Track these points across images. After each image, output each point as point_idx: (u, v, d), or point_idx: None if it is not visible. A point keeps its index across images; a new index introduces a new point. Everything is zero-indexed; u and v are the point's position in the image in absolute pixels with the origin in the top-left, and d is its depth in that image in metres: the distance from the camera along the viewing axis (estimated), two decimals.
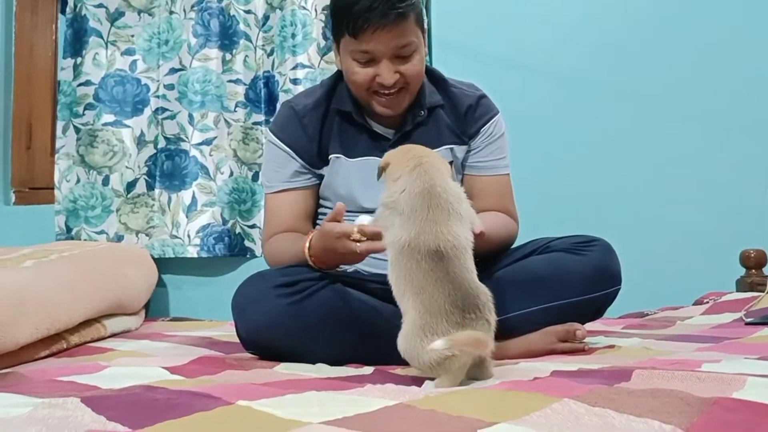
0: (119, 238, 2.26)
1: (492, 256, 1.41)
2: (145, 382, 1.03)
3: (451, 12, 2.41)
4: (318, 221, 1.52)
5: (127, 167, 2.29)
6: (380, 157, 1.47)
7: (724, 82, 2.44)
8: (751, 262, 2.22)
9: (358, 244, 1.16)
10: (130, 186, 2.29)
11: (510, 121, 1.62)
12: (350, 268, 1.45)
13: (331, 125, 1.48)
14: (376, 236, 1.14)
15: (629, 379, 0.96)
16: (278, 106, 2.32)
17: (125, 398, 0.84)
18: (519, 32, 2.44)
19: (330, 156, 1.47)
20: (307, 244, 1.28)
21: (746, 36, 2.45)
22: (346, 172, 1.47)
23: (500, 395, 0.87)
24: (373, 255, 1.42)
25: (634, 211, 2.41)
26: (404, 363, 1.27)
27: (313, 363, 1.24)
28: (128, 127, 2.30)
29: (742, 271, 2.26)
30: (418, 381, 1.05)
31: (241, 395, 0.87)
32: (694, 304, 2.22)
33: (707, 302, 2.16)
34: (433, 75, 1.53)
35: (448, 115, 1.51)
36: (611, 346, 1.43)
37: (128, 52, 2.33)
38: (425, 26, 1.45)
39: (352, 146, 1.48)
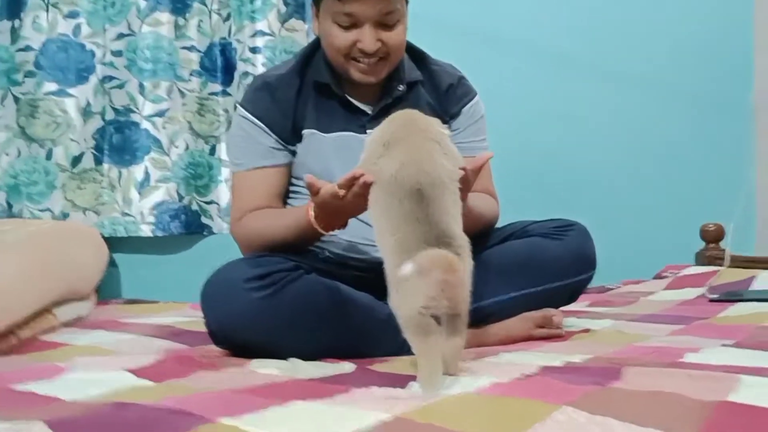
0: (65, 216, 2.13)
1: (473, 239, 1.38)
2: (111, 389, 0.96)
3: None
4: (289, 200, 1.46)
5: (72, 140, 2.14)
6: (358, 132, 1.42)
7: (689, 57, 2.44)
8: (710, 236, 2.26)
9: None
10: (76, 160, 2.15)
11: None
12: (325, 252, 1.40)
13: (306, 99, 1.42)
14: (350, 182, 1.09)
15: (619, 378, 0.94)
16: (236, 75, 2.21)
17: (95, 420, 0.77)
18: (491, 4, 2.37)
19: (304, 131, 1.41)
20: (312, 213, 1.22)
21: (716, 14, 2.45)
22: (321, 148, 1.41)
23: (497, 403, 0.84)
24: (346, 238, 1.37)
25: (595, 184, 2.42)
26: (381, 354, 1.25)
27: (285, 358, 1.18)
28: (73, 96, 2.14)
29: (702, 244, 2.30)
30: (401, 380, 1.00)
31: (221, 410, 0.81)
32: (654, 278, 2.25)
33: (667, 276, 2.19)
34: (413, 51, 1.48)
35: (429, 93, 1.47)
36: (586, 330, 1.43)
37: (71, 15, 2.16)
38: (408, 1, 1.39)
39: (328, 121, 1.41)
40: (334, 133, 1.41)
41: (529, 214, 1.59)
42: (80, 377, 1.04)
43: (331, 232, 1.25)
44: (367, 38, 1.33)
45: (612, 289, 2.15)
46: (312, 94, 1.43)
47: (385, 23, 1.33)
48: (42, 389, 0.97)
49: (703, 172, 2.44)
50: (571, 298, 1.45)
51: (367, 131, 1.43)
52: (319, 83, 1.42)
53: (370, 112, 1.44)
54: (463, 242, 1.02)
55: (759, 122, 2.43)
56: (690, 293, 1.89)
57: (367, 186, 1.07)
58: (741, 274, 1.92)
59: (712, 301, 1.75)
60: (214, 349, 1.28)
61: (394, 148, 1.07)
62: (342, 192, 1.11)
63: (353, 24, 1.33)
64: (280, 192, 1.43)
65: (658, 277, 2.23)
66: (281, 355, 1.18)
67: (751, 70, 2.44)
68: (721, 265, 2.09)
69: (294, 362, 1.16)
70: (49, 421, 0.75)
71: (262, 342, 1.18)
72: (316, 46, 1.46)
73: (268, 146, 1.41)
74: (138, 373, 1.07)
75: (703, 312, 1.59)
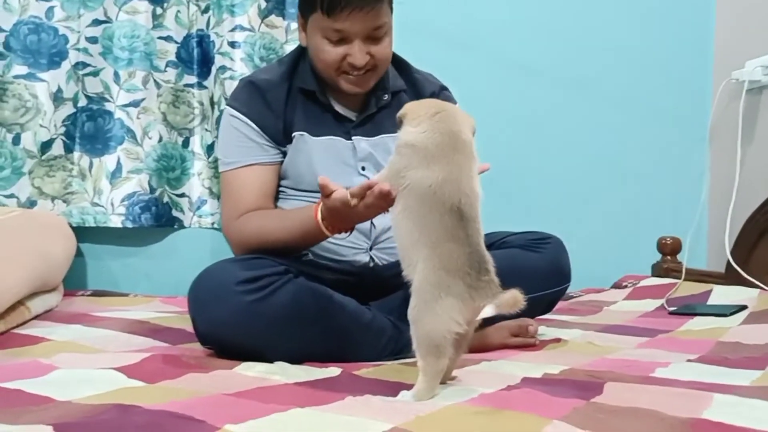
0: (32, 204, 2.08)
1: None
2: (104, 389, 0.96)
3: None
4: (277, 203, 1.47)
5: (41, 126, 2.09)
6: (344, 137, 1.45)
7: (652, 74, 2.53)
8: (667, 249, 2.36)
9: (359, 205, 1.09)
10: (45, 146, 2.10)
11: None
12: (308, 255, 1.41)
13: (295, 103, 1.44)
14: (363, 192, 1.06)
15: (602, 392, 0.99)
16: (213, 68, 2.19)
17: (104, 424, 0.78)
18: (467, 11, 2.41)
19: (294, 133, 1.43)
20: (320, 215, 1.20)
21: (679, 33, 2.54)
22: (309, 151, 1.43)
23: (491, 416, 0.88)
24: (337, 242, 1.39)
25: (556, 194, 2.48)
26: (361, 358, 1.27)
27: (272, 361, 1.20)
28: (43, 81, 2.09)
29: (658, 256, 2.40)
30: (390, 388, 1.03)
31: (224, 416, 0.83)
32: (612, 287, 2.34)
33: (626, 286, 2.28)
34: (396, 60, 1.51)
35: (411, 101, 1.49)
36: (557, 340, 1.48)
37: None
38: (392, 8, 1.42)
39: (316, 125, 1.44)
40: (322, 137, 1.43)
41: (489, 222, 1.63)
42: (69, 376, 1.04)
43: (337, 236, 1.25)
44: (357, 54, 1.35)
45: (574, 297, 2.22)
46: (300, 99, 1.45)
47: (373, 37, 1.36)
48: (31, 387, 0.97)
49: (662, 186, 2.54)
50: (547, 308, 1.51)
51: (352, 137, 1.45)
52: (306, 90, 1.44)
53: (354, 119, 1.46)
54: (492, 266, 1.01)
55: (713, 141, 2.54)
56: (650, 304, 1.97)
57: (383, 195, 1.03)
58: (698, 287, 2.01)
59: (671, 313, 1.83)
60: (198, 348, 1.29)
61: (435, 161, 1.02)
62: (354, 201, 1.09)
63: (342, 39, 1.34)
64: (272, 192, 1.44)
65: (617, 286, 2.31)
66: (267, 358, 1.20)
67: (710, 90, 2.55)
68: (676, 278, 2.19)
69: (281, 366, 1.18)
70: (56, 425, 0.76)
71: (251, 344, 1.20)
72: (300, 53, 1.48)
73: (261, 144, 1.42)
74: (127, 372, 1.07)
75: (665, 325, 1.67)
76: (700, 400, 0.94)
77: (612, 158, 2.53)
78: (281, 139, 1.42)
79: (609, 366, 1.21)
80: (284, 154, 1.44)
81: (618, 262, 2.46)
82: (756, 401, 0.93)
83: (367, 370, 1.18)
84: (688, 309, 1.82)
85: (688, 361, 1.26)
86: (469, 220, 0.99)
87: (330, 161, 1.42)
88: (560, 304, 2.06)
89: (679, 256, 2.34)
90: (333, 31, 1.33)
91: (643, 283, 2.23)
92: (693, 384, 1.05)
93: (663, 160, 2.56)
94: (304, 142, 1.42)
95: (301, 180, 1.42)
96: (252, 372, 1.12)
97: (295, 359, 1.21)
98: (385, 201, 1.04)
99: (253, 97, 1.42)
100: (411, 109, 1.10)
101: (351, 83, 1.39)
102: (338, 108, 1.45)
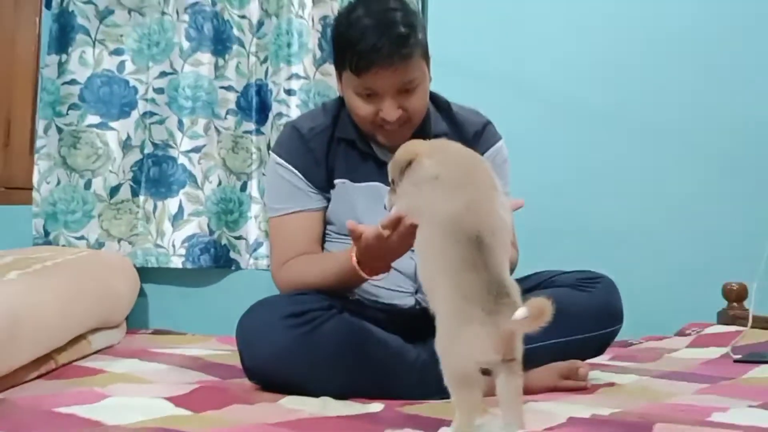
0: (100, 245, 2.18)
1: None
2: (150, 416, 0.99)
3: (448, 29, 2.39)
4: (325, 245, 1.50)
5: (111, 171, 2.21)
6: (386, 183, 1.45)
7: (714, 112, 2.48)
8: (733, 295, 2.26)
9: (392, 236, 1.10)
10: (114, 191, 2.21)
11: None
12: (355, 294, 1.42)
13: (336, 151, 1.47)
14: (395, 223, 1.07)
15: None
16: (270, 115, 2.28)
17: None
18: (516, 52, 2.44)
19: (336, 181, 1.46)
20: (355, 258, 1.21)
21: (738, 69, 2.49)
22: (351, 197, 1.45)
23: None
24: (377, 284, 1.40)
25: (618, 239, 2.43)
26: (407, 396, 1.27)
27: (317, 395, 1.21)
28: (114, 129, 2.23)
29: (724, 303, 2.30)
30: (430, 424, 1.03)
31: None
32: (676, 335, 2.25)
33: (690, 333, 2.19)
34: (437, 101, 1.53)
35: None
36: (611, 384, 1.44)
37: (117, 52, 2.26)
38: (429, 57, 1.43)
39: (357, 171, 1.46)
40: (363, 183, 1.46)
41: (549, 266, 1.60)
42: (120, 403, 1.08)
43: (375, 277, 1.26)
44: (388, 109, 1.36)
45: (634, 344, 2.15)
46: (341, 147, 1.47)
47: (405, 90, 1.36)
48: (84, 412, 1.01)
49: (726, 229, 2.45)
50: (599, 350, 1.47)
51: None
52: (347, 139, 1.47)
53: None
54: (516, 291, 0.97)
55: None
56: (714, 352, 1.88)
57: (414, 227, 1.04)
58: (765, 335, 1.91)
59: (736, 361, 1.74)
60: (246, 383, 1.31)
61: (459, 189, 1.01)
62: (387, 233, 1.10)
63: (374, 94, 1.36)
64: (318, 236, 1.47)
65: (681, 334, 2.22)
66: (312, 392, 1.21)
67: None
68: (744, 325, 2.08)
69: (324, 400, 1.19)
70: None
71: (295, 378, 1.21)
72: (342, 102, 1.50)
73: (306, 192, 1.45)
74: (175, 401, 1.10)
75: (728, 372, 1.59)
76: None
77: (676, 203, 2.47)
78: (325, 186, 1.46)
79: (663, 410, 1.16)
80: (329, 199, 1.47)
81: (682, 310, 2.37)
82: None
83: (410, 407, 1.17)
84: (754, 357, 1.73)
85: (749, 407, 1.20)
86: (489, 249, 0.96)
87: (371, 207, 1.43)
88: (617, 351, 2.01)
89: (746, 303, 2.24)
90: (363, 88, 1.35)
91: (707, 330, 2.13)
92: (751, 429, 1.00)
93: (728, 203, 2.48)
94: (345, 189, 1.45)
95: (344, 226, 1.44)
96: (295, 405, 1.14)
97: (340, 395, 1.22)
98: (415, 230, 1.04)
99: (296, 145, 1.46)
100: (420, 150, 1.09)
101: (386, 136, 1.41)
102: (379, 154, 1.47)
